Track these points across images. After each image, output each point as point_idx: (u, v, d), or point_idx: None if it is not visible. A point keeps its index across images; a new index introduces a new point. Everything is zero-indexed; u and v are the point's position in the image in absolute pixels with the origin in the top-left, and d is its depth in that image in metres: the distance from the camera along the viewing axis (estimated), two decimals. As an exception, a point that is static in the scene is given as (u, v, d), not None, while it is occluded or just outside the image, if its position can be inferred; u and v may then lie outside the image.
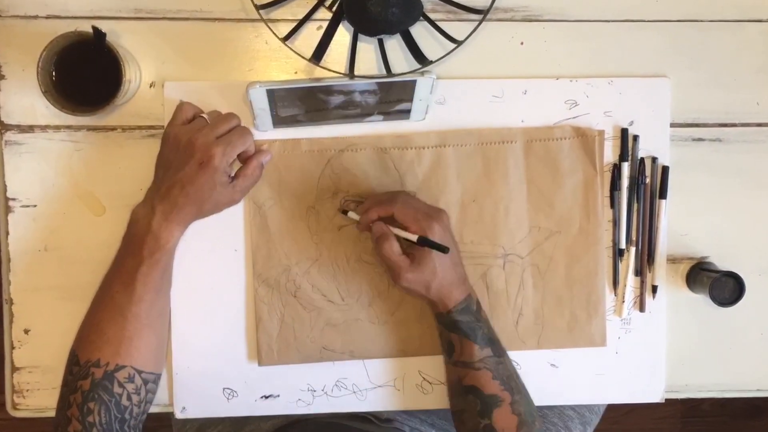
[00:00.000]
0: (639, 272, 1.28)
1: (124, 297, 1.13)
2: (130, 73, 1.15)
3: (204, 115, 1.15)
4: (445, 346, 1.21)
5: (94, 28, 1.11)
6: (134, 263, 1.13)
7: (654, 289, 1.29)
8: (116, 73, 1.13)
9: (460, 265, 1.20)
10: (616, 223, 1.27)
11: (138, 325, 1.14)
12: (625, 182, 1.26)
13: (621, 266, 1.28)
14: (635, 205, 1.27)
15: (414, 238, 1.13)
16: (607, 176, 1.26)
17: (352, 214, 1.21)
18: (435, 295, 1.16)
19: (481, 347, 1.17)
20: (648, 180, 1.27)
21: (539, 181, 1.25)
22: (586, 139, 1.25)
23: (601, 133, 1.25)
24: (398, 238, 1.15)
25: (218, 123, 1.14)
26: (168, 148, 1.15)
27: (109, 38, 1.13)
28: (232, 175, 1.17)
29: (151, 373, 1.16)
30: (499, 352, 1.19)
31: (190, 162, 1.11)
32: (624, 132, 1.26)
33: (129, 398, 1.12)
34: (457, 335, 1.18)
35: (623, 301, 1.28)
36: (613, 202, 1.27)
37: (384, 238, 1.15)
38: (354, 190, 1.24)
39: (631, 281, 1.28)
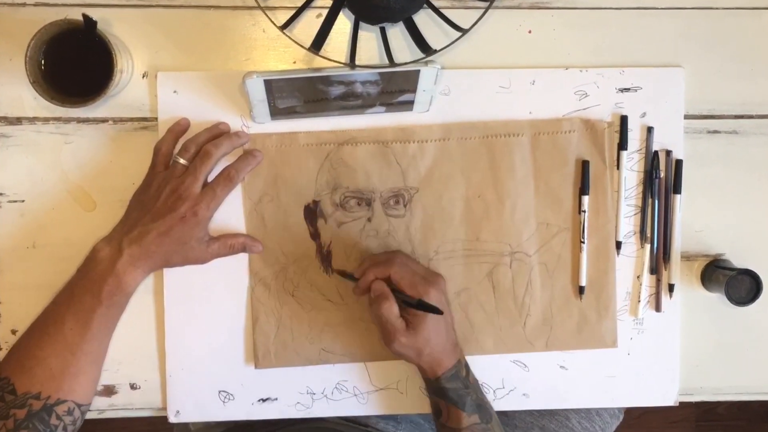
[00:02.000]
0: (654, 270, 1.28)
1: (76, 335, 1.14)
2: (121, 63, 1.15)
3: (180, 160, 1.17)
4: (433, 408, 1.23)
5: (85, 16, 1.11)
6: (92, 303, 1.14)
7: (671, 287, 1.28)
8: (107, 62, 1.13)
9: (453, 330, 1.21)
10: (644, 214, 1.27)
11: (86, 361, 1.16)
12: (624, 172, 1.26)
13: (634, 263, 1.28)
14: (649, 200, 1.27)
15: (413, 300, 1.14)
16: (624, 172, 1.26)
17: (349, 277, 1.22)
18: (425, 362, 1.18)
19: (469, 414, 1.18)
20: (662, 174, 1.27)
21: (547, 176, 1.25)
22: (595, 131, 1.25)
23: (611, 125, 1.25)
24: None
25: (198, 166, 1.16)
26: (149, 194, 1.17)
27: (100, 26, 1.12)
28: (213, 236, 1.21)
29: (88, 405, 1.18)
30: (487, 417, 1.20)
31: (172, 213, 1.14)
32: (623, 119, 1.25)
33: (65, 429, 1.14)
34: (444, 402, 1.19)
35: (639, 301, 1.28)
36: (645, 197, 1.27)
37: (384, 297, 1.15)
38: (354, 186, 1.24)
39: (646, 280, 1.28)
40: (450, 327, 1.20)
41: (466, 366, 1.22)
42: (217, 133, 1.20)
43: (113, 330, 1.20)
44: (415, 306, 1.13)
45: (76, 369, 1.14)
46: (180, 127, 1.21)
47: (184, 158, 1.16)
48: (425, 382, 1.23)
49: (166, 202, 1.14)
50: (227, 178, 1.17)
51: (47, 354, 1.13)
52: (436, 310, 1.12)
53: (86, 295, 1.14)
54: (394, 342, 1.15)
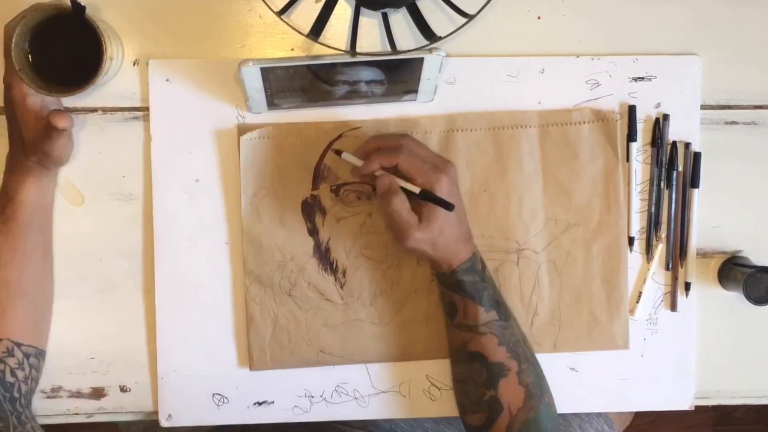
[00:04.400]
0: (670, 267, 1.28)
1: None
2: (111, 50, 1.14)
3: None
4: (446, 308, 1.21)
5: (73, 1, 1.10)
6: None
7: (687, 286, 1.28)
8: (96, 49, 1.12)
9: (466, 221, 1.20)
10: (651, 214, 1.27)
11: (8, 293, 1.15)
12: (634, 165, 1.26)
13: (644, 260, 1.28)
14: (665, 194, 1.27)
15: (417, 191, 1.12)
16: (633, 164, 1.26)
17: (348, 156, 1.18)
18: (440, 254, 1.16)
19: (487, 309, 1.17)
20: (680, 167, 1.26)
21: (556, 170, 1.25)
22: (607, 123, 1.24)
23: (623, 116, 1.25)
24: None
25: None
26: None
27: (88, 12, 1.12)
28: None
29: (31, 347, 1.18)
30: (506, 315, 1.20)
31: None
32: (631, 109, 1.25)
33: (13, 374, 1.14)
34: (460, 296, 1.18)
35: (653, 300, 1.28)
36: (652, 189, 1.26)
37: (393, 192, 1.13)
38: (354, 179, 1.23)
39: (661, 278, 1.28)
40: (462, 217, 1.19)
41: (482, 261, 1.21)
42: None
43: (35, 259, 1.19)
44: (425, 199, 1.12)
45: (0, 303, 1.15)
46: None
47: None
48: (438, 278, 1.21)
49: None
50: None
51: None
52: (447, 205, 1.11)
53: None
54: (409, 239, 1.13)
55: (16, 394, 1.13)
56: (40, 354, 1.20)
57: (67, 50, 1.17)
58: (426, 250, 1.15)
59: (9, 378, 1.13)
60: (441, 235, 1.14)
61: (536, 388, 1.18)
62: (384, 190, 1.13)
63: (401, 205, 1.12)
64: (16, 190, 1.15)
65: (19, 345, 1.15)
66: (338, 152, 1.20)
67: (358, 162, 1.16)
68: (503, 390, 1.16)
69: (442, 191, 1.12)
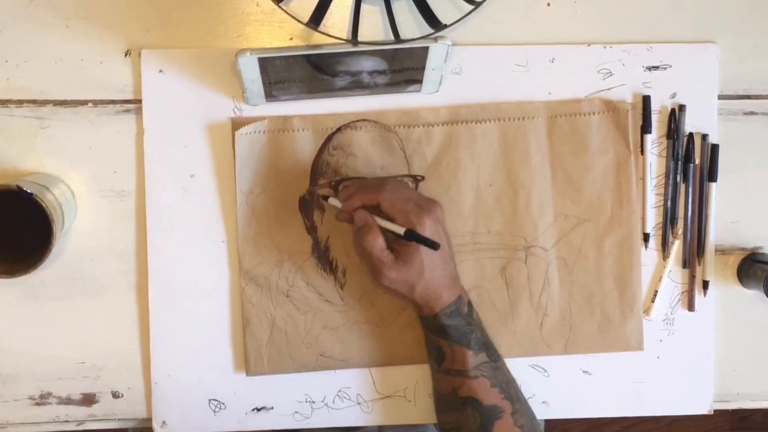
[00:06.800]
0: (687, 265, 1.27)
1: None
2: (59, 227, 1.12)
3: None
4: (433, 354, 1.19)
5: (20, 188, 1.09)
6: None
7: (705, 284, 1.27)
8: (43, 222, 1.11)
9: (452, 263, 1.18)
10: (667, 209, 1.26)
11: None
12: (649, 158, 1.25)
13: (660, 258, 1.27)
14: (681, 188, 1.26)
15: (401, 231, 1.10)
16: (648, 157, 1.25)
17: (333, 201, 1.18)
18: (420, 297, 1.14)
19: (476, 353, 1.16)
20: (697, 160, 1.26)
21: (565, 163, 1.24)
22: (617, 113, 1.24)
23: (635, 106, 1.24)
24: (383, 231, 1.13)
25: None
26: None
27: (76, 1, 1.11)
28: None
29: None
30: (495, 356, 1.18)
31: None
32: (646, 99, 1.24)
33: None
34: (446, 341, 1.16)
35: (670, 299, 1.27)
36: (668, 183, 1.25)
37: (366, 228, 1.12)
38: (354, 174, 1.23)
39: (678, 276, 1.27)
40: (448, 259, 1.17)
41: (469, 303, 1.19)
42: None
43: None
44: (405, 238, 1.10)
45: None
46: None
47: None
48: (422, 322, 1.19)
49: None
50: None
51: None
52: (430, 243, 1.09)
53: None
54: (382, 277, 1.12)
55: None
56: None
57: (11, 227, 1.19)
58: (403, 292, 1.14)
59: None
60: (420, 277, 1.12)
61: (530, 429, 1.17)
62: (359, 225, 1.13)
63: (374, 242, 1.12)
64: None
65: None
66: (325, 197, 1.20)
67: (341, 205, 1.17)
68: None
69: (425, 231, 1.10)
